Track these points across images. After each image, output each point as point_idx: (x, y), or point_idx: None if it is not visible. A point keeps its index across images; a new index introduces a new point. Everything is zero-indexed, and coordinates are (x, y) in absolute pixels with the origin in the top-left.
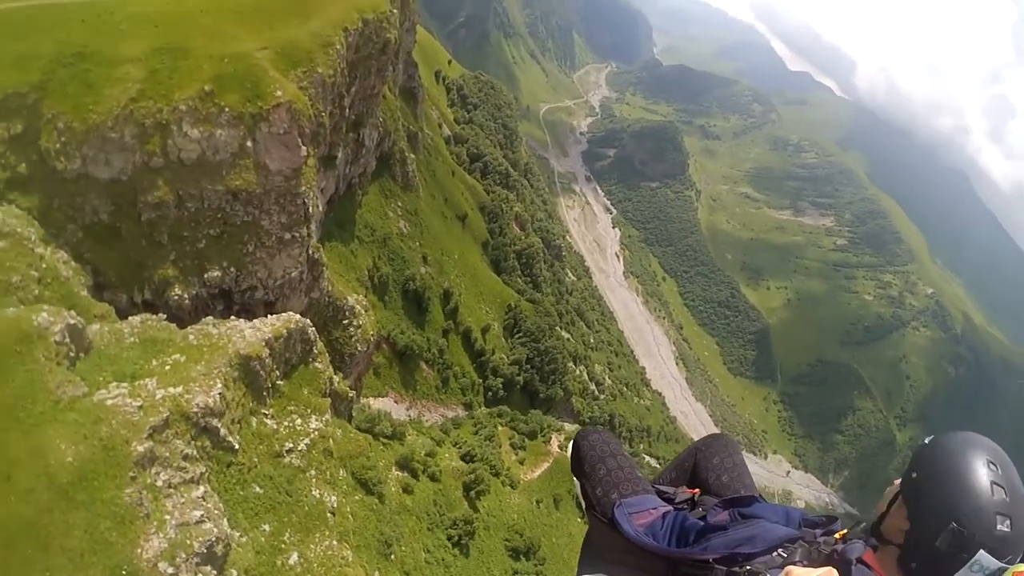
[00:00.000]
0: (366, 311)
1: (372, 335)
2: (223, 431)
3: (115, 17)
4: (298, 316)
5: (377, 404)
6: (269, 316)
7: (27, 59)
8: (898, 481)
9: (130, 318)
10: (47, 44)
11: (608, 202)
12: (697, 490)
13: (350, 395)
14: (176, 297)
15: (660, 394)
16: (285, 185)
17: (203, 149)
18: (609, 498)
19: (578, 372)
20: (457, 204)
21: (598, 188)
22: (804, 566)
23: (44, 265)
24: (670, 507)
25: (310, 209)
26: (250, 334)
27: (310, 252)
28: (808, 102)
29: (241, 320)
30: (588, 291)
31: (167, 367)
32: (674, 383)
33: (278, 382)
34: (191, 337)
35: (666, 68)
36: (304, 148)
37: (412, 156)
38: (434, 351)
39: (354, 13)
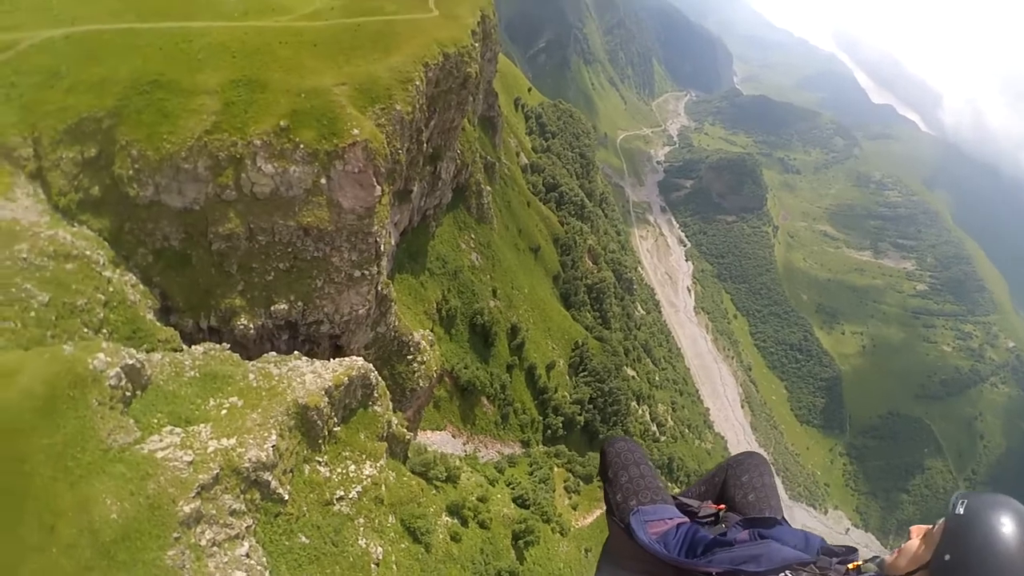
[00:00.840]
0: (431, 346)
1: (435, 371)
2: (274, 483)
3: (193, 46)
4: (361, 361)
5: (434, 437)
6: (332, 360)
7: (104, 84)
8: (915, 531)
9: (193, 347)
10: (123, 70)
11: (682, 234)
12: (723, 506)
13: (407, 437)
14: (242, 327)
15: (723, 437)
16: (357, 224)
17: (276, 184)
18: (628, 504)
19: (640, 412)
20: (531, 236)
21: (673, 219)
22: None
23: (111, 288)
24: (687, 519)
25: (382, 247)
26: (311, 380)
27: (379, 289)
28: (892, 136)
29: (303, 360)
30: (657, 326)
31: (223, 411)
32: (738, 427)
33: (335, 428)
34: (251, 376)
35: (746, 98)
36: (378, 187)
37: (488, 188)
38: (496, 386)
39: (435, 47)
